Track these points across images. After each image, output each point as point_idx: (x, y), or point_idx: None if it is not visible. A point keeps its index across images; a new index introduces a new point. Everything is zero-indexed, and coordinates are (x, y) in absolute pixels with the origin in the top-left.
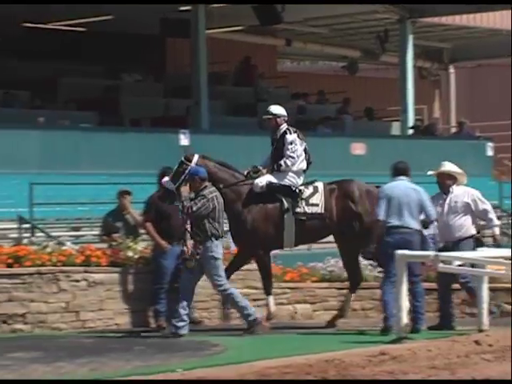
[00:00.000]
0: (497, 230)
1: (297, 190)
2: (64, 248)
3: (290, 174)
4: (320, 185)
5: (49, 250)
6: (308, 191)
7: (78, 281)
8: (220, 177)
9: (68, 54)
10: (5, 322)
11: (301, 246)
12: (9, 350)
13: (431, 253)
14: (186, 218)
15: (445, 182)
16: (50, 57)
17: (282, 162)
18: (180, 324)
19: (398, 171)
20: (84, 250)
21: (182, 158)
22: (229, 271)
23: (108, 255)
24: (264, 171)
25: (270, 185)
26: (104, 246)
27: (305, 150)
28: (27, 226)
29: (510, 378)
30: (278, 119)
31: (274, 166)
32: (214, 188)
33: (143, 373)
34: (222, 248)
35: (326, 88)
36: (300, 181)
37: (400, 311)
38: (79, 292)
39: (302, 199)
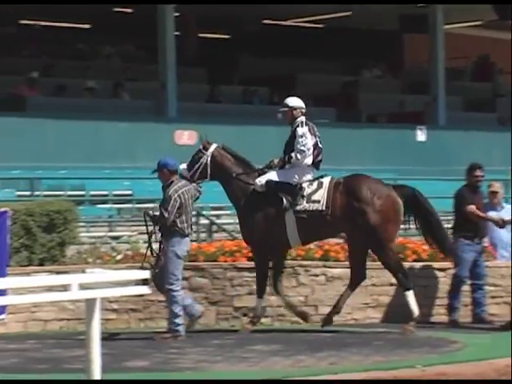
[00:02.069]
0: None
1: (298, 187)
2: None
3: (298, 169)
4: (326, 180)
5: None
6: (311, 188)
7: (316, 275)
8: (232, 169)
9: (306, 50)
10: (245, 315)
11: None
12: (249, 343)
13: None
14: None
15: None
16: (289, 53)
17: (292, 155)
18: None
19: None
20: (323, 244)
21: (200, 146)
22: (274, 278)
23: (346, 250)
24: (276, 161)
25: (269, 183)
26: (341, 240)
27: (315, 145)
28: None
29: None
30: (294, 111)
31: (286, 158)
32: (182, 183)
33: (383, 368)
34: (188, 246)
35: None
36: (307, 176)
37: None
38: (318, 286)
39: (302, 196)
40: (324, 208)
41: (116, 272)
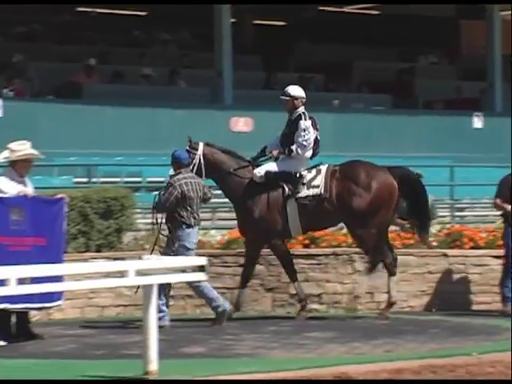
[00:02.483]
0: None
1: (297, 175)
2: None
3: (296, 160)
4: (323, 167)
5: (344, 231)
6: (310, 175)
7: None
8: (226, 165)
9: (362, 37)
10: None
11: None
12: (305, 330)
13: None
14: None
15: None
16: (345, 40)
17: (293, 148)
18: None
19: None
20: None
21: (187, 147)
22: (245, 269)
23: (402, 237)
24: (275, 153)
25: (268, 174)
26: (397, 228)
27: (316, 139)
28: None
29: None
30: (296, 101)
31: (286, 150)
32: (188, 174)
33: (439, 355)
34: (196, 237)
35: None
36: (304, 166)
37: None
38: (374, 273)
39: (303, 184)
40: (323, 192)
41: (173, 258)
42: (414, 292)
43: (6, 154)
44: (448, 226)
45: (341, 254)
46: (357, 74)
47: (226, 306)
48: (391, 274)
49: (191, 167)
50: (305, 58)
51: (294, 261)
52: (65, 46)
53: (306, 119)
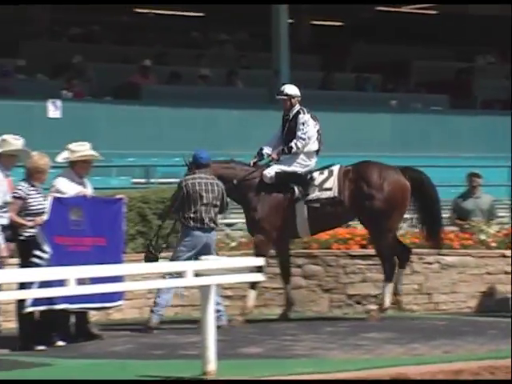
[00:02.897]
0: None
1: (308, 178)
2: (416, 230)
3: (301, 156)
4: (336, 168)
5: (402, 231)
6: (322, 176)
7: (430, 263)
8: (230, 174)
9: (420, 37)
10: (358, 303)
11: None
12: (363, 330)
13: None
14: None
15: None
16: (402, 40)
17: (292, 145)
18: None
19: None
20: None
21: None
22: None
23: (460, 238)
24: (274, 155)
25: (279, 174)
26: (455, 228)
27: (319, 131)
28: None
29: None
30: (293, 100)
31: (285, 148)
32: (198, 175)
33: (497, 357)
34: (196, 240)
35: None
36: (312, 162)
37: None
38: (432, 274)
39: (314, 186)
40: (336, 195)
41: (230, 259)
42: (472, 293)
43: (65, 154)
44: (506, 226)
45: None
46: (414, 74)
47: (157, 318)
48: (401, 266)
49: None
50: (362, 58)
51: (352, 261)
52: (122, 46)
53: (304, 113)
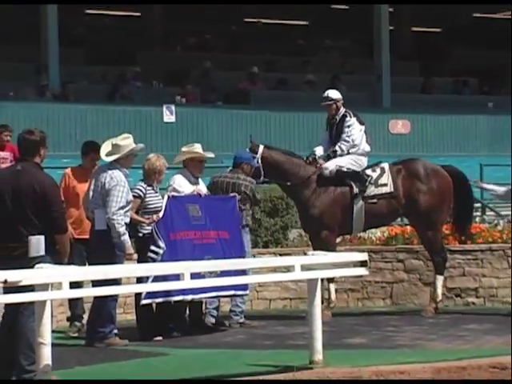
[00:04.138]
0: None
1: (364, 175)
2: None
3: (357, 156)
4: (386, 165)
5: (499, 227)
6: (376, 173)
7: None
8: (285, 168)
9: None
10: (458, 296)
11: None
12: (463, 322)
13: None
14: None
15: None
16: (499, 45)
17: (337, 148)
18: None
19: None
20: None
21: (247, 149)
22: None
23: None
24: (321, 161)
25: (338, 171)
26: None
27: (365, 133)
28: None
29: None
30: (338, 103)
31: (330, 153)
32: (224, 173)
33: None
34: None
35: None
36: (365, 162)
37: None
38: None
39: (370, 183)
40: (392, 190)
41: (336, 254)
42: None
43: (180, 156)
44: None
45: (496, 250)
46: (510, 78)
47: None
48: (439, 272)
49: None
50: (460, 62)
51: (451, 256)
52: (232, 54)
53: (351, 117)
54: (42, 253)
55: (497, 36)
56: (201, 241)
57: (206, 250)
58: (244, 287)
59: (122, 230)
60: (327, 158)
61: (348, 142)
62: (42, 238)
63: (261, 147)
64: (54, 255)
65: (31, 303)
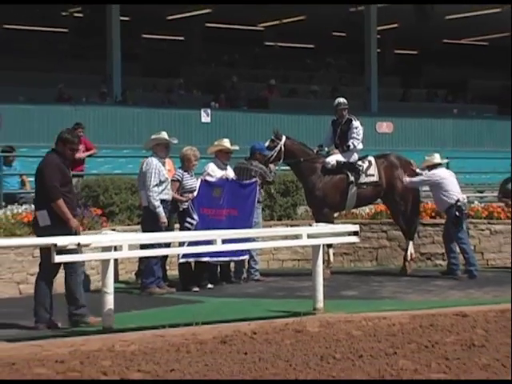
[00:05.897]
0: None
1: (357, 166)
2: (472, 205)
3: (354, 153)
4: (372, 159)
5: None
6: (365, 165)
7: (482, 230)
8: (301, 153)
9: (475, 61)
10: (429, 259)
11: None
12: (432, 279)
13: None
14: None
15: None
16: (462, 64)
17: (350, 144)
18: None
19: None
20: (488, 207)
21: (273, 136)
22: None
23: (506, 211)
24: (336, 150)
25: (338, 163)
26: (501, 204)
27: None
28: None
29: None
30: (347, 109)
31: (344, 146)
32: (241, 161)
33: None
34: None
35: None
36: (357, 157)
37: None
38: (484, 238)
39: (362, 172)
40: (378, 179)
41: (334, 226)
42: None
43: (212, 148)
44: None
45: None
46: (470, 90)
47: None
48: (410, 238)
49: (272, 153)
50: (432, 78)
51: (424, 228)
52: (254, 70)
53: (356, 120)
54: (48, 223)
55: (460, 57)
56: (214, 217)
57: (217, 223)
58: (245, 253)
59: (157, 203)
60: (342, 151)
61: (358, 139)
62: (45, 211)
63: (283, 137)
64: (58, 224)
65: (74, 263)
